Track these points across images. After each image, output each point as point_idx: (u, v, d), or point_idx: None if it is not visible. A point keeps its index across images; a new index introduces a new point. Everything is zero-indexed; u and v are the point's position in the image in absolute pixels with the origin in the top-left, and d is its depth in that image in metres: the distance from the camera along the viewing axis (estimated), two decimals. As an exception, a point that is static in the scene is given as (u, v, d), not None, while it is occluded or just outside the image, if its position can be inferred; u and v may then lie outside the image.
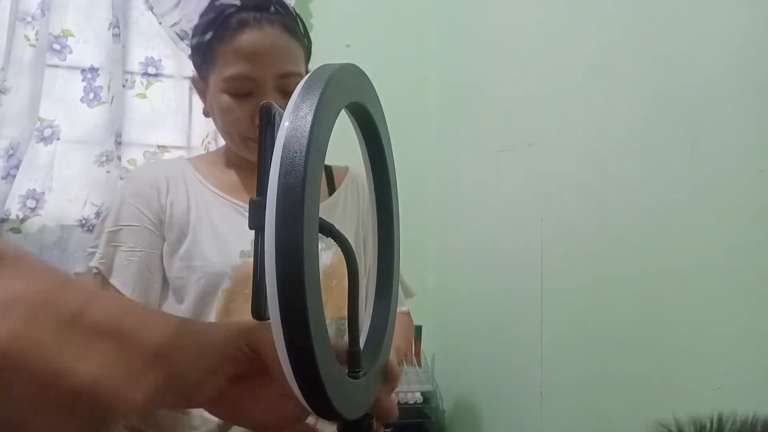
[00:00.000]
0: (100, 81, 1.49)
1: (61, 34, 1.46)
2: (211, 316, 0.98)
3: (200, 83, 1.06)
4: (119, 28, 1.51)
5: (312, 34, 1.06)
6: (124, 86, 1.55)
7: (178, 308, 1.00)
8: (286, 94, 0.98)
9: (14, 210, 1.47)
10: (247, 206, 1.21)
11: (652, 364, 0.86)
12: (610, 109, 0.98)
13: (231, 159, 1.08)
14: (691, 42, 0.82)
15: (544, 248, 1.14)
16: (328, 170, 1.15)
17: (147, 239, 1.02)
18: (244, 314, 0.96)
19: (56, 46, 1.46)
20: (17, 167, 1.45)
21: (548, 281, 1.13)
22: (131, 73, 1.57)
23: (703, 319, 0.78)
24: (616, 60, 0.97)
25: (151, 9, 1.53)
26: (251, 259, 1.08)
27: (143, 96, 1.57)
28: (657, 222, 0.86)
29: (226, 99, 0.97)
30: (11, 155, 1.44)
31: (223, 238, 1.00)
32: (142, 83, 1.58)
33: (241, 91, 0.97)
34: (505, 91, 1.36)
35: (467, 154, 1.58)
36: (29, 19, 1.44)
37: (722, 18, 0.77)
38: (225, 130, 1.00)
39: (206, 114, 1.08)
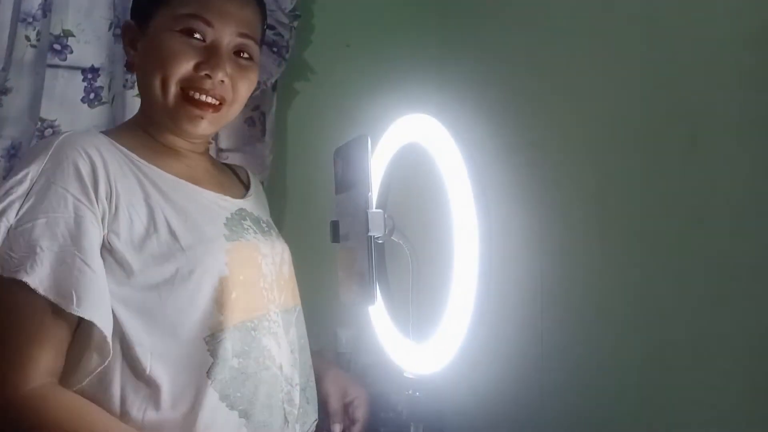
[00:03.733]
0: (101, 81, 1.49)
1: (62, 35, 1.46)
2: (209, 311, 0.83)
3: (133, 30, 0.96)
4: (120, 28, 1.51)
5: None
6: (124, 86, 1.54)
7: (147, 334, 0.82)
8: (238, 58, 0.93)
9: (15, 210, 1.47)
10: (208, 191, 1.00)
11: (651, 365, 0.86)
12: (610, 108, 0.98)
13: (158, 138, 0.97)
14: (692, 41, 0.82)
15: (544, 247, 1.14)
16: (232, 168, 1.15)
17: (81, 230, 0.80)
18: (248, 304, 0.87)
19: (57, 47, 1.46)
20: (18, 167, 1.45)
21: (548, 280, 1.13)
22: (132, 73, 1.57)
23: (702, 319, 0.78)
24: (616, 59, 0.97)
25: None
26: (241, 242, 0.92)
27: (143, 96, 1.57)
28: (657, 221, 0.86)
29: (173, 36, 0.88)
30: (12, 155, 1.44)
31: (197, 221, 0.87)
32: (142, 83, 1.58)
33: (194, 31, 0.88)
34: (506, 91, 1.36)
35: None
36: (30, 19, 1.44)
37: (723, 17, 0.77)
38: (163, 75, 0.89)
39: (129, 66, 0.97)
